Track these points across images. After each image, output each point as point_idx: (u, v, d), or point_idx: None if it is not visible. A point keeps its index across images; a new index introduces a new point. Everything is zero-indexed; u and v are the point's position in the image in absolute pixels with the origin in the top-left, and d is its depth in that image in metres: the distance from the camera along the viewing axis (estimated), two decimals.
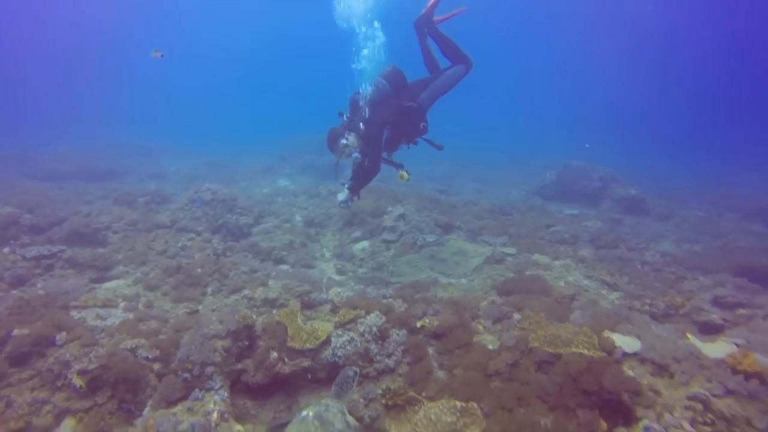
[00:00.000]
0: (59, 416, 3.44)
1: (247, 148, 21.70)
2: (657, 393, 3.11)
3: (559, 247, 7.28)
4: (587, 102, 46.01)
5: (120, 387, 3.50)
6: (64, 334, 3.90)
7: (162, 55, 6.19)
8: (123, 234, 6.98)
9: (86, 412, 3.45)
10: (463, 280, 5.99)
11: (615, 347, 3.48)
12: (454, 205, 9.80)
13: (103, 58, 48.54)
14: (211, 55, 55.16)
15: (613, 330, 3.73)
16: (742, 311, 4.74)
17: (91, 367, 3.50)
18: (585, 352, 3.31)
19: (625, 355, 3.46)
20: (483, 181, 15.66)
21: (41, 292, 4.84)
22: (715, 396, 3.06)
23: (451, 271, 6.33)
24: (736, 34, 31.96)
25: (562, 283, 5.58)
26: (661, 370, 3.35)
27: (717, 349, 3.76)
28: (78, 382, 3.47)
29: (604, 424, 2.92)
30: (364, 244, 7.76)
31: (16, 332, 3.74)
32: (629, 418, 2.97)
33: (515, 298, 4.65)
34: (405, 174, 5.46)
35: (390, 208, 8.47)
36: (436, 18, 5.81)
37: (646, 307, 4.79)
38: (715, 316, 4.67)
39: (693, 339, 3.94)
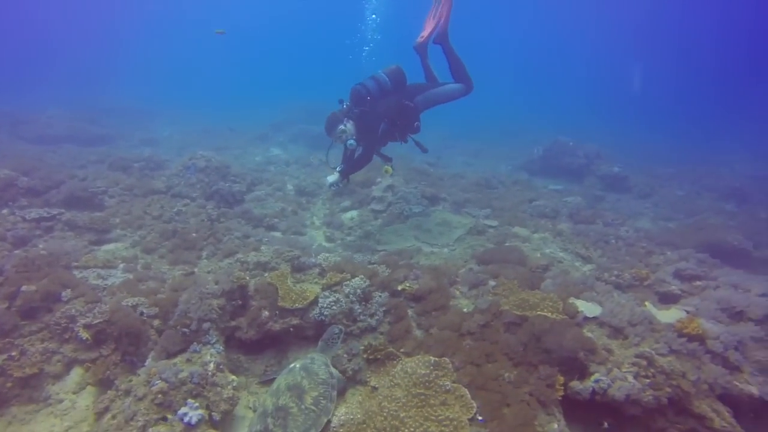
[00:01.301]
0: (68, 365, 3.76)
1: (239, 113, 21.60)
2: (610, 352, 3.47)
3: (539, 221, 7.60)
4: (580, 79, 45.94)
5: (123, 340, 3.80)
6: (69, 291, 4.18)
7: (224, 32, 6.29)
8: (119, 198, 7.17)
9: (93, 362, 3.76)
10: (445, 250, 6.31)
11: (578, 312, 3.83)
12: (441, 178, 10.04)
13: (99, 18, 47.38)
14: (206, 16, 53.87)
15: (578, 297, 4.08)
16: (698, 283, 5.12)
17: (96, 321, 3.78)
18: (549, 314, 3.65)
19: (586, 319, 3.81)
20: (473, 155, 15.85)
21: (43, 252, 5.06)
22: (659, 354, 3.44)
23: (435, 240, 6.64)
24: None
25: (538, 255, 5.92)
26: (616, 332, 3.72)
27: (669, 315, 4.15)
28: (84, 334, 3.77)
29: (561, 378, 3.28)
30: (353, 213, 8.02)
31: (24, 288, 4.00)
32: (584, 373, 3.34)
33: (492, 266, 4.99)
34: (390, 168, 5.88)
35: (379, 179, 8.69)
36: (423, 37, 6.21)
37: (613, 278, 5.14)
38: (675, 287, 5.06)
39: (650, 306, 4.31)
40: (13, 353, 3.65)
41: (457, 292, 4.57)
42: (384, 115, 5.69)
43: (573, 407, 3.31)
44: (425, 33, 6.19)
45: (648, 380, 3.18)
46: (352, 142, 5.62)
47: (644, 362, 3.32)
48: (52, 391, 3.66)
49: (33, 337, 3.84)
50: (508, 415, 2.95)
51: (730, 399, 3.36)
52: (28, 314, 3.97)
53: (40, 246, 5.35)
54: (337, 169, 5.80)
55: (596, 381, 3.19)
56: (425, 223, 7.21)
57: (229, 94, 29.41)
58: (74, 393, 3.67)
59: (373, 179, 8.75)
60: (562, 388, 3.23)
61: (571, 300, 3.99)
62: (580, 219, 7.90)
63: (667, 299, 4.92)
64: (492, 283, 4.53)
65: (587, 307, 3.88)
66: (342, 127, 5.57)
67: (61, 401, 3.62)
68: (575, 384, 3.26)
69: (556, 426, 3.04)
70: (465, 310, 4.16)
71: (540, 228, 7.15)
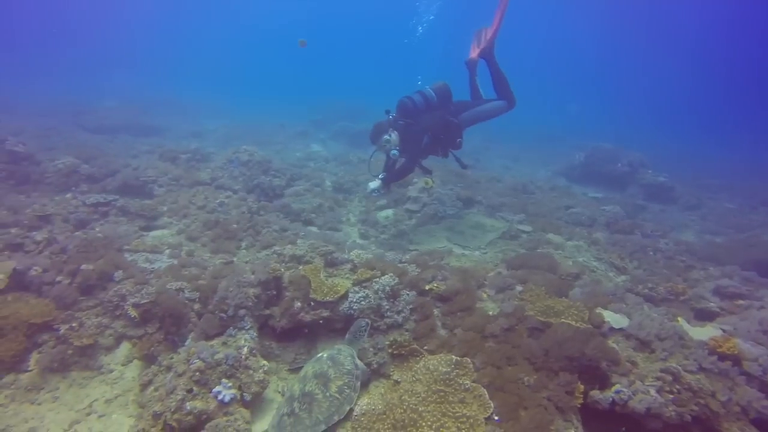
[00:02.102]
0: (118, 339, 4.10)
1: (282, 109, 22.24)
2: (634, 364, 3.45)
3: (574, 229, 7.49)
4: (627, 84, 44.37)
5: (166, 320, 4.10)
6: (120, 272, 4.53)
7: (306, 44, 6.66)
8: (167, 188, 7.63)
9: (139, 339, 4.08)
10: (476, 252, 6.34)
11: (603, 322, 3.81)
12: (477, 181, 10.03)
13: (157, 14, 50.11)
14: (257, 16, 55.78)
15: (605, 307, 4.06)
16: (741, 302, 4.93)
17: (143, 301, 4.09)
18: (573, 323, 3.66)
19: (612, 330, 3.79)
20: (512, 158, 15.69)
21: (100, 235, 5.50)
22: (687, 371, 3.38)
23: (467, 243, 6.68)
24: None
25: (570, 263, 5.86)
26: (643, 345, 3.68)
27: (703, 332, 4.05)
28: (133, 313, 4.09)
29: (581, 386, 3.29)
30: (389, 212, 8.16)
31: (83, 267, 4.38)
32: (605, 383, 3.34)
33: (522, 272, 5.00)
34: (430, 181, 6.06)
35: (415, 180, 8.79)
36: (474, 53, 6.49)
37: (646, 291, 5.05)
38: (713, 304, 4.91)
39: (682, 322, 4.22)
40: (74, 324, 4.02)
41: (485, 295, 4.63)
42: (428, 129, 5.89)
43: (593, 416, 3.32)
44: (478, 49, 6.37)
45: (672, 396, 3.14)
46: (395, 152, 5.86)
47: (669, 377, 3.28)
48: (104, 361, 4.00)
49: (90, 312, 4.21)
50: (524, 418, 3.00)
51: (765, 425, 3.26)
52: (86, 290, 4.35)
53: (97, 229, 5.80)
54: (380, 176, 6.03)
55: (617, 392, 3.18)
56: (458, 225, 7.26)
57: (273, 90, 30.23)
58: (123, 365, 4.00)
59: (409, 179, 8.86)
60: (582, 396, 3.25)
61: (598, 310, 3.96)
62: (617, 229, 7.72)
63: (703, 316, 4.79)
64: (519, 288, 4.56)
65: (614, 318, 3.86)
66: (387, 137, 5.82)
67: (111, 371, 3.95)
68: (595, 393, 3.26)
69: None
70: (491, 313, 4.21)
71: (575, 236, 7.06)
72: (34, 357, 3.88)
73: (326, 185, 9.51)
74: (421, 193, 8.22)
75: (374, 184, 6.06)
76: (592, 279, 5.37)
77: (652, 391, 3.16)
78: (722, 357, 3.55)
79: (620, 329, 3.79)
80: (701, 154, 19.97)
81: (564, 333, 3.50)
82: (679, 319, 4.28)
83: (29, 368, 3.83)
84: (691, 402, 3.17)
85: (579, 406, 3.25)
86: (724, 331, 4.08)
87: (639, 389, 3.18)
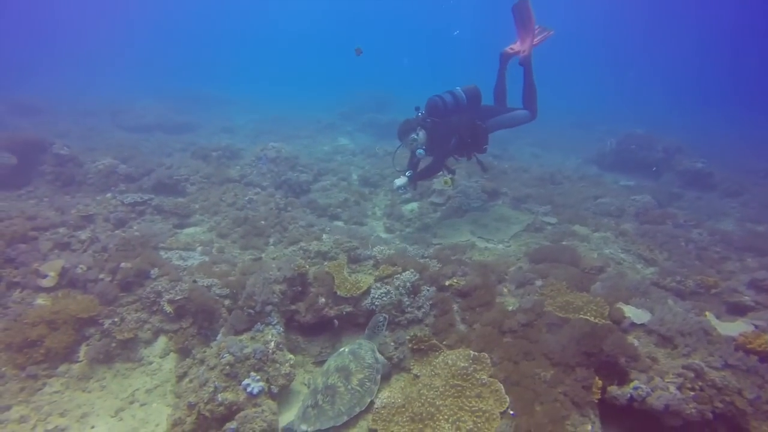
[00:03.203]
0: (156, 333, 4.38)
1: (310, 101, 22.50)
2: (654, 360, 3.42)
3: (602, 220, 7.34)
4: (660, 69, 42.37)
5: (199, 316, 4.35)
6: (156, 269, 4.81)
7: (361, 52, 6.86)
8: (199, 186, 7.93)
9: (175, 333, 4.35)
10: (500, 246, 6.33)
11: (624, 317, 3.79)
12: (504, 171, 9.92)
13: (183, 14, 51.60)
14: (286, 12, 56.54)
15: (627, 302, 4.02)
16: None
17: (178, 297, 4.34)
18: (592, 318, 3.65)
19: (633, 325, 3.76)
20: (541, 146, 15.34)
21: (137, 233, 5.82)
22: (712, 368, 3.33)
23: (491, 236, 6.67)
24: None
25: (595, 255, 5.78)
26: (665, 341, 3.64)
27: (733, 328, 3.94)
28: (168, 308, 4.35)
29: (599, 381, 3.30)
30: (414, 205, 8.22)
31: (123, 265, 4.68)
32: (624, 379, 3.34)
33: (543, 266, 4.99)
34: (449, 180, 6.09)
35: (441, 172, 8.79)
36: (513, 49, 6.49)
37: (674, 284, 4.93)
38: (748, 298, 4.74)
39: (711, 317, 4.12)
40: (116, 319, 4.33)
41: (505, 290, 4.65)
42: (455, 130, 5.89)
43: (612, 412, 3.33)
44: (517, 47, 6.43)
45: (693, 393, 3.11)
46: (421, 151, 5.90)
47: (691, 374, 3.25)
48: (144, 354, 4.30)
49: (129, 307, 4.51)
50: (539, 412, 3.06)
51: None
52: (125, 287, 4.65)
53: (135, 227, 6.13)
54: (407, 173, 6.11)
55: (635, 388, 3.18)
56: (483, 218, 7.25)
57: (301, 84, 30.54)
58: (161, 357, 4.28)
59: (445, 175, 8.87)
60: (600, 391, 3.26)
61: (619, 305, 3.93)
62: (647, 219, 7.50)
63: (736, 310, 4.64)
64: (539, 282, 4.56)
65: (635, 313, 3.82)
66: (414, 135, 5.86)
67: (150, 363, 4.24)
68: (613, 389, 3.27)
69: (590, 428, 3.09)
70: (510, 308, 4.25)
71: (602, 227, 6.92)
72: (83, 349, 4.21)
73: (353, 179, 9.62)
74: (446, 185, 8.22)
75: (400, 181, 6.15)
76: (617, 272, 5.29)
77: (672, 388, 3.14)
78: (753, 354, 3.47)
79: (641, 324, 3.76)
80: (749, 136, 18.88)
81: (581, 329, 3.51)
82: (707, 313, 4.19)
83: (79, 359, 4.16)
84: (714, 399, 3.14)
85: (597, 401, 3.27)
86: (756, 326, 3.96)
87: (658, 385, 3.17)
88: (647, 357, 3.42)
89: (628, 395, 3.18)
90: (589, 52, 48.16)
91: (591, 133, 17.29)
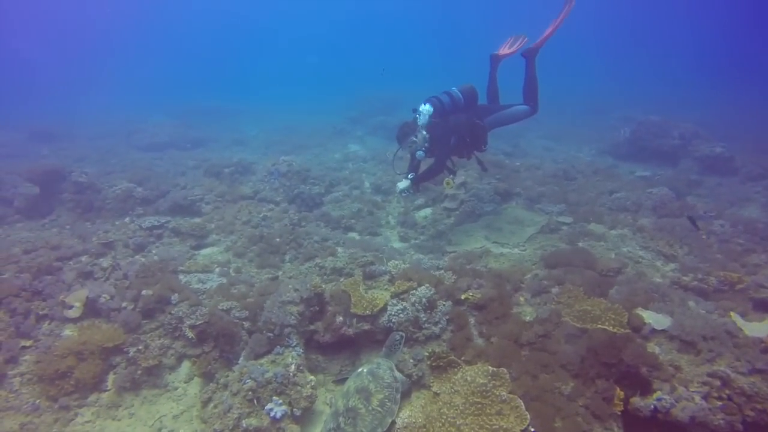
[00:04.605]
0: (179, 358, 4.48)
1: (319, 105, 22.62)
2: (677, 368, 3.38)
3: (618, 216, 7.25)
4: (675, 47, 41.34)
5: (220, 339, 4.43)
6: (176, 295, 4.91)
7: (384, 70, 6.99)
8: (214, 205, 8.07)
9: (198, 357, 4.44)
10: (516, 250, 6.30)
11: (644, 324, 3.74)
12: (517, 170, 9.83)
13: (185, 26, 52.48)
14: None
15: (646, 307, 3.97)
16: None
17: (198, 323, 4.43)
18: (609, 328, 3.62)
19: (654, 331, 3.72)
20: (553, 138, 15.17)
21: (156, 258, 5.96)
22: (739, 374, 3.27)
23: (506, 240, 6.64)
24: None
25: (613, 255, 5.72)
26: (687, 346, 3.58)
27: (761, 328, 3.86)
28: (190, 333, 4.45)
29: (621, 393, 3.28)
30: (427, 211, 8.22)
31: (144, 292, 4.80)
32: (646, 390, 3.30)
33: (558, 271, 4.95)
34: (450, 182, 6.09)
35: (451, 176, 8.77)
36: (503, 51, 6.59)
37: (695, 283, 4.84)
38: None
39: (736, 317, 4.04)
40: (140, 347, 4.45)
41: (522, 299, 4.64)
42: (455, 130, 5.89)
43: (636, 423, 3.30)
44: (508, 50, 6.55)
45: (720, 402, 3.07)
46: (421, 153, 5.90)
47: (717, 382, 3.20)
48: (169, 379, 4.40)
49: (152, 334, 4.62)
50: (560, 428, 3.05)
51: None
52: (147, 314, 4.77)
53: (154, 251, 6.27)
54: (409, 176, 6.12)
55: (658, 399, 3.15)
56: (496, 221, 7.22)
57: (310, 90, 30.68)
58: (185, 382, 4.38)
59: (446, 175, 8.85)
60: (622, 403, 3.24)
61: (638, 311, 3.89)
62: (665, 212, 7.36)
63: (763, 308, 4.52)
64: (555, 290, 4.53)
65: (655, 319, 3.77)
66: (413, 138, 5.86)
67: (176, 388, 4.34)
68: (636, 400, 3.24)
69: None
70: (528, 318, 4.23)
71: (618, 224, 6.83)
72: (110, 378, 4.34)
73: (365, 187, 9.66)
74: (458, 189, 8.20)
75: (403, 184, 6.18)
76: (635, 272, 5.22)
77: (697, 398, 3.10)
78: None
79: (662, 330, 3.71)
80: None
81: (600, 339, 3.48)
82: (731, 314, 4.11)
83: (107, 388, 4.29)
84: (744, 408, 3.08)
85: (620, 413, 3.24)
86: None
87: (682, 396, 3.13)
88: (669, 365, 3.38)
89: (652, 406, 3.15)
90: (603, 32, 47.37)
91: (604, 120, 17.03)
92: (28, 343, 4.51)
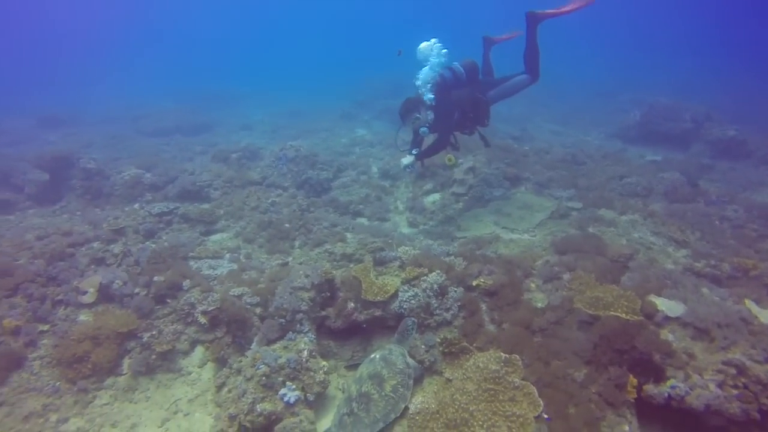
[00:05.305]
0: (193, 344, 4.53)
1: (326, 88, 22.37)
2: (691, 356, 3.36)
3: (628, 201, 7.17)
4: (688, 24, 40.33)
5: (233, 325, 4.47)
6: (188, 281, 4.94)
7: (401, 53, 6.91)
8: (222, 191, 8.06)
9: (211, 343, 4.48)
10: (525, 236, 6.27)
11: (657, 311, 3.72)
12: (525, 155, 9.72)
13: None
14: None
15: (659, 294, 3.94)
16: None
17: (210, 308, 4.46)
18: (622, 315, 3.60)
19: (667, 318, 3.69)
20: (561, 122, 14.98)
21: (166, 244, 5.99)
22: (755, 362, 3.24)
23: (516, 225, 6.60)
24: None
25: (623, 241, 5.67)
26: (701, 334, 3.56)
27: None
28: (202, 319, 4.48)
29: (634, 380, 3.27)
30: (435, 196, 8.16)
31: (155, 278, 4.84)
32: (660, 377, 3.30)
33: (569, 257, 4.92)
34: (453, 158, 6.03)
35: (461, 160, 8.68)
36: (498, 37, 6.76)
37: (708, 269, 4.80)
38: None
39: (750, 304, 4.01)
40: (154, 332, 4.50)
41: (533, 285, 4.62)
42: (458, 105, 5.85)
43: (649, 411, 3.30)
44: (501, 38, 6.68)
45: (736, 391, 3.05)
46: (424, 129, 5.85)
47: (733, 370, 3.18)
48: (183, 364, 4.46)
49: (165, 319, 4.67)
50: (574, 415, 3.06)
51: None
52: (159, 300, 4.81)
53: (164, 238, 6.30)
54: (413, 152, 6.08)
55: (672, 387, 3.13)
56: (506, 206, 7.18)
57: (316, 74, 30.34)
58: (199, 367, 4.43)
59: (454, 160, 8.76)
60: (636, 390, 3.24)
61: (651, 297, 3.86)
62: (676, 197, 7.27)
63: None
64: (567, 276, 4.50)
65: (668, 306, 3.75)
66: (417, 115, 5.81)
67: (190, 373, 4.40)
68: (649, 387, 3.23)
69: (627, 428, 3.09)
70: (539, 304, 4.23)
71: (629, 209, 6.75)
72: (125, 362, 4.40)
73: (373, 172, 9.59)
74: (467, 174, 8.13)
75: (407, 160, 6.14)
76: (647, 258, 5.18)
77: (712, 386, 3.09)
78: None
79: (676, 317, 3.68)
80: None
81: (612, 326, 3.47)
82: (746, 301, 4.07)
83: (123, 372, 4.35)
84: (761, 396, 3.05)
85: (633, 400, 3.24)
86: None
87: (697, 384, 3.12)
88: (683, 353, 3.36)
89: (666, 394, 3.14)
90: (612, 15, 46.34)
91: (613, 103, 16.78)
92: (45, 327, 4.57)
